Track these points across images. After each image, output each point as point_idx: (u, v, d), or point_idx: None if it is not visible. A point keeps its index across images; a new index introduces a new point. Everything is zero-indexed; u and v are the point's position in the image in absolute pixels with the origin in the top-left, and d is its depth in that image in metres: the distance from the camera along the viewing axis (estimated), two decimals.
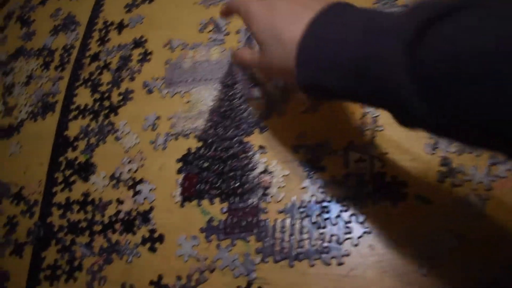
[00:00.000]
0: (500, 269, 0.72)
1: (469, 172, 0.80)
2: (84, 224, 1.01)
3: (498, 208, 0.76)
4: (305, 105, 0.95)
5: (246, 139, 0.96)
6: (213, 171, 0.94)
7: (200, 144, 0.99)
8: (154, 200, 0.97)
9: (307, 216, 0.84)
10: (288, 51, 0.60)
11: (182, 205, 0.94)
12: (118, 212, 0.98)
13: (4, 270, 1.05)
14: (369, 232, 0.80)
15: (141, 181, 0.99)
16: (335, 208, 0.84)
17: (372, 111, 0.90)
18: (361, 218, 0.81)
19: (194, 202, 0.93)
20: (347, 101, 0.73)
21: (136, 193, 0.98)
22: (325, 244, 0.81)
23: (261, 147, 0.94)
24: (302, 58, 0.59)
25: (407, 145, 0.85)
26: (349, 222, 0.82)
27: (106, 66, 1.20)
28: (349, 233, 0.81)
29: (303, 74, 0.60)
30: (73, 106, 1.18)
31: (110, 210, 1.00)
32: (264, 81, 0.99)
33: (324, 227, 0.82)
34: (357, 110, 0.91)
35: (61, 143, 1.13)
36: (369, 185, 0.84)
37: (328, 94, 0.63)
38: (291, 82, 0.64)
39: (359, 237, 0.80)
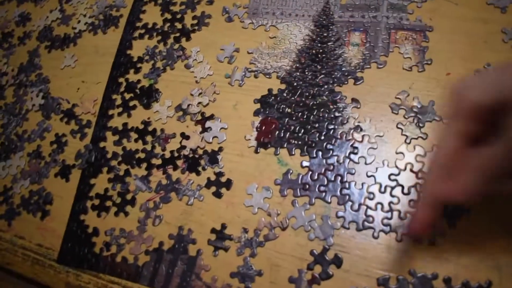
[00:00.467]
0: None
1: None
2: (141, 155, 0.95)
3: None
4: (410, 61, 0.86)
5: (337, 89, 0.88)
6: (296, 118, 0.87)
7: (283, 86, 0.91)
8: (224, 140, 0.90)
9: (400, 185, 0.77)
10: None
11: (256, 151, 0.87)
12: (183, 147, 0.92)
13: (47, 191, 0.99)
14: (468, 212, 0.72)
15: (211, 117, 0.93)
16: None
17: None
18: None
19: (271, 150, 0.87)
20: None
21: (205, 129, 0.92)
22: None
23: (354, 100, 0.86)
24: None
25: None
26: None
27: None
28: (445, 210, 0.73)
29: None
30: (139, 24, 1.10)
31: (173, 144, 0.94)
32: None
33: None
34: (470, 72, 0.82)
35: (123, 62, 1.06)
36: None
37: None
38: None
39: (456, 217, 0.73)
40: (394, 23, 0.91)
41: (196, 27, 1.04)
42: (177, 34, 1.05)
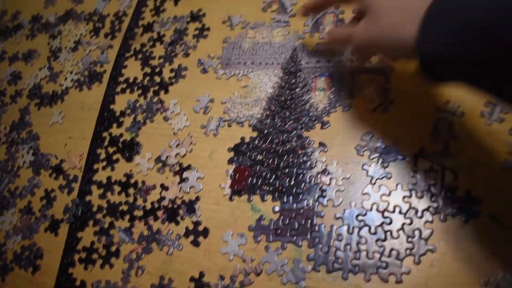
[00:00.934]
0: None
1: None
2: (124, 208, 1.00)
3: None
4: (374, 103, 0.91)
5: (305, 134, 0.93)
6: (268, 165, 0.92)
7: (255, 134, 0.96)
8: (201, 189, 0.95)
9: (366, 225, 0.81)
10: (412, 16, 0.61)
11: (231, 199, 0.92)
12: (162, 198, 0.97)
13: (37, 246, 1.05)
14: (433, 251, 0.77)
15: (188, 167, 0.98)
16: (397, 220, 0.80)
17: (449, 114, 0.85)
18: (425, 234, 0.78)
19: (244, 197, 0.91)
20: (466, 82, 0.68)
21: (183, 180, 0.97)
22: (384, 259, 0.78)
23: (321, 144, 0.91)
24: (429, 22, 0.59)
25: (485, 158, 0.81)
26: (412, 237, 0.78)
27: (160, 38, 1.18)
28: (411, 249, 0.78)
29: (426, 40, 0.60)
30: (121, 78, 1.17)
31: (153, 196, 0.99)
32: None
33: (384, 240, 0.79)
34: (432, 114, 0.87)
35: (106, 117, 1.12)
36: (438, 198, 0.80)
37: (448, 68, 0.62)
38: (401, 54, 0.70)
39: (422, 255, 0.77)
40: (357, 66, 0.96)
41: (173, 80, 1.10)
42: (156, 87, 1.10)
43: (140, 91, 1.12)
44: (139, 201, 0.99)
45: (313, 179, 0.88)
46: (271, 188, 0.90)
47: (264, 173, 0.91)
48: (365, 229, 0.81)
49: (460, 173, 0.81)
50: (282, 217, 0.87)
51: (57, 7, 1.43)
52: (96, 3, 1.35)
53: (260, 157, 0.93)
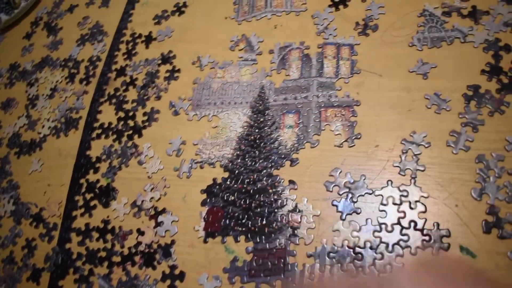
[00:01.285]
0: None
1: None
2: (103, 254, 1.00)
3: None
4: (341, 137, 0.92)
5: (275, 172, 0.94)
6: (239, 205, 0.93)
7: (226, 174, 0.97)
8: (176, 233, 0.95)
9: (338, 262, 0.82)
10: None
11: (205, 241, 0.92)
12: (139, 243, 0.98)
13: None
14: None
15: (163, 211, 0.98)
16: (368, 256, 0.81)
17: (414, 148, 0.86)
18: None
19: (218, 239, 0.91)
20: None
21: (158, 224, 0.97)
22: None
23: (291, 182, 0.91)
24: None
25: (451, 189, 0.82)
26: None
27: (132, 82, 1.20)
28: None
29: None
30: (96, 124, 1.18)
31: (130, 241, 0.99)
32: None
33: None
34: (397, 146, 0.88)
35: (83, 163, 1.13)
36: (407, 231, 0.81)
37: None
38: None
39: None
40: (324, 101, 0.97)
41: (146, 123, 1.11)
42: (130, 132, 1.12)
43: (114, 136, 1.13)
44: (117, 247, 0.99)
45: (284, 218, 0.89)
46: (244, 229, 0.90)
47: (236, 214, 0.92)
48: (337, 266, 0.82)
49: (428, 206, 0.82)
50: (255, 258, 0.87)
51: (34, 54, 1.45)
52: (71, 49, 1.37)
53: (232, 198, 0.94)
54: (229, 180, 0.96)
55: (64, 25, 1.46)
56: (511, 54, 0.91)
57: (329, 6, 1.10)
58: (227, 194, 0.94)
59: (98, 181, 1.09)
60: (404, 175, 0.85)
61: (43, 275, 1.05)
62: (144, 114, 1.13)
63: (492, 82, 0.90)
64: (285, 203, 0.90)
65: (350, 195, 0.86)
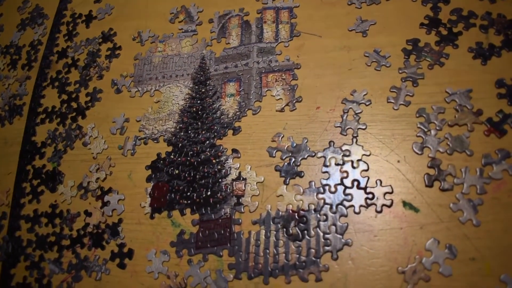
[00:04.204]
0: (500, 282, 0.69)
1: (460, 174, 0.76)
2: (52, 239, 0.99)
3: (492, 214, 0.72)
4: (281, 102, 0.91)
5: (218, 142, 0.92)
6: (184, 178, 0.91)
7: (170, 148, 0.95)
8: (123, 211, 0.94)
9: (283, 227, 0.81)
10: None
11: (152, 217, 0.91)
12: (87, 225, 0.96)
13: None
14: (349, 244, 0.76)
15: (109, 190, 0.97)
16: (313, 218, 0.80)
17: (354, 107, 0.85)
18: (341, 228, 0.78)
19: (164, 214, 0.90)
20: None
21: (105, 204, 0.96)
22: (302, 258, 0.78)
23: (234, 151, 0.90)
24: None
25: (393, 145, 0.81)
26: (328, 233, 0.78)
27: (74, 63, 1.17)
28: (328, 245, 0.77)
29: None
30: (40, 109, 1.15)
31: (78, 223, 0.97)
32: None
33: (301, 240, 0.79)
34: (338, 106, 0.87)
35: (29, 149, 1.11)
36: (351, 191, 0.80)
37: None
38: None
39: (339, 250, 0.77)
40: (264, 66, 0.95)
41: (89, 104, 1.09)
42: (74, 114, 1.09)
43: (58, 120, 1.11)
44: (66, 230, 0.98)
45: (228, 187, 0.87)
46: (189, 201, 0.89)
47: (181, 187, 0.91)
48: (282, 231, 0.81)
49: (371, 164, 0.81)
50: (201, 229, 0.86)
51: None
52: (12, 34, 1.34)
53: (177, 171, 0.92)
54: (172, 154, 0.94)
55: (4, 11, 1.42)
56: (450, 5, 0.91)
57: None
58: (172, 168, 0.93)
59: (44, 166, 1.07)
60: (345, 135, 0.85)
61: None
62: (87, 94, 1.11)
63: (431, 34, 0.89)
64: (228, 172, 0.88)
65: (292, 159, 0.85)
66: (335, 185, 0.81)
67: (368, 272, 0.74)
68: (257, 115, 0.92)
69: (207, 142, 0.92)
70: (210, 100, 0.96)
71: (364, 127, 0.84)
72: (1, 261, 1.02)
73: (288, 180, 0.84)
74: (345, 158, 0.83)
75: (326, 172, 0.83)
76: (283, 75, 0.93)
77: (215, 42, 1.03)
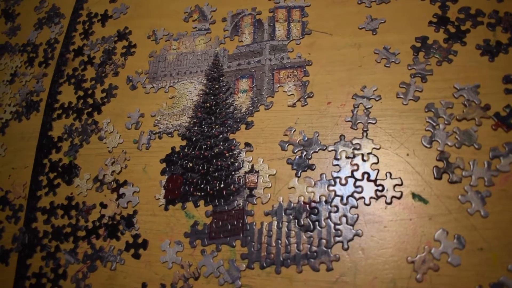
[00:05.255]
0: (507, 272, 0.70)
1: (468, 167, 0.77)
2: (68, 230, 1.00)
3: (500, 206, 0.73)
4: (294, 97, 0.92)
5: (231, 136, 0.94)
6: (198, 171, 0.93)
7: (184, 142, 0.97)
8: (138, 203, 0.96)
9: (295, 218, 0.82)
10: None
11: (166, 208, 0.92)
12: (102, 216, 0.98)
13: None
14: (360, 235, 0.78)
15: (124, 183, 0.98)
16: (324, 210, 0.81)
17: (365, 102, 0.87)
18: (352, 219, 0.79)
19: (178, 205, 0.92)
20: None
21: (120, 196, 0.97)
22: (314, 249, 0.79)
23: (247, 145, 0.92)
24: None
25: (402, 138, 0.82)
26: (339, 224, 0.79)
27: (90, 61, 1.19)
28: (339, 236, 0.79)
29: None
30: (57, 105, 1.17)
31: (94, 215, 0.99)
32: None
33: (312, 230, 0.80)
34: (348, 101, 0.88)
35: (45, 144, 1.13)
36: (361, 183, 0.81)
37: None
38: None
39: (350, 241, 0.78)
40: (276, 63, 0.97)
41: (105, 100, 1.11)
42: (90, 109, 1.11)
43: (75, 115, 1.13)
44: (81, 222, 0.99)
45: (241, 179, 0.89)
46: (202, 193, 0.90)
47: (195, 180, 0.92)
48: (294, 222, 0.82)
49: (380, 157, 0.83)
50: (215, 220, 0.87)
51: None
52: (29, 33, 1.36)
53: (191, 164, 0.94)
54: (186, 147, 0.96)
55: (21, 11, 1.44)
56: (458, 3, 0.92)
57: None
58: (186, 161, 0.95)
59: (60, 160, 1.09)
60: (356, 129, 0.86)
61: (11, 255, 1.05)
62: (103, 91, 1.12)
63: (439, 32, 0.90)
64: (241, 165, 0.90)
65: (304, 153, 0.87)
66: (346, 178, 0.82)
67: (378, 261, 0.75)
68: (269, 110, 0.94)
69: (221, 136, 0.94)
70: (224, 95, 0.98)
71: (374, 121, 0.85)
72: (18, 252, 1.04)
73: (299, 173, 0.85)
74: (356, 152, 0.84)
75: (337, 165, 0.84)
76: (294, 71, 0.95)
77: (228, 40, 1.05)
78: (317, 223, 0.81)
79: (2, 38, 1.41)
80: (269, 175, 0.87)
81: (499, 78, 0.82)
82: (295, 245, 0.80)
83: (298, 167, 0.86)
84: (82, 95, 1.15)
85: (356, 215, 0.79)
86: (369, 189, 0.81)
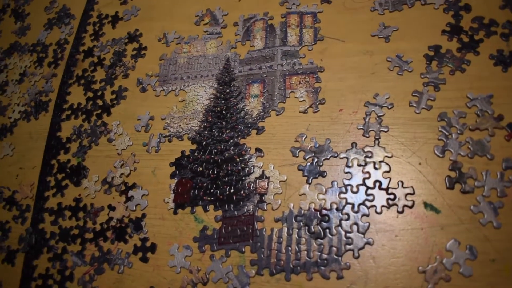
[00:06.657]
0: None
1: (480, 177, 0.76)
2: (75, 232, 0.99)
3: None
4: (305, 104, 0.92)
5: (242, 141, 0.93)
6: (208, 175, 0.92)
7: (194, 146, 0.96)
8: (146, 206, 0.95)
9: (305, 225, 0.81)
10: None
11: (175, 212, 0.91)
12: (110, 219, 0.97)
13: None
14: (371, 244, 0.77)
15: (133, 186, 0.98)
16: (335, 217, 0.81)
17: (377, 110, 0.86)
18: (363, 228, 0.78)
19: (188, 209, 0.91)
20: None
21: (128, 199, 0.96)
22: (324, 256, 0.78)
23: (257, 150, 0.91)
24: None
25: (414, 147, 0.81)
26: (350, 232, 0.78)
27: (100, 62, 1.18)
28: (350, 244, 0.78)
29: None
30: (66, 106, 1.17)
31: (102, 217, 0.98)
32: None
33: (323, 238, 0.79)
34: (360, 109, 0.87)
35: (54, 144, 1.12)
36: (372, 191, 0.81)
37: None
38: None
39: (360, 249, 0.77)
40: (288, 69, 0.96)
41: (115, 101, 1.10)
42: (99, 111, 1.10)
43: (84, 116, 1.12)
44: (89, 224, 0.98)
45: (251, 185, 0.88)
46: (212, 198, 0.89)
47: (205, 184, 0.91)
48: (304, 229, 0.81)
49: (392, 165, 0.82)
50: (224, 226, 0.86)
51: (2, 41, 1.43)
52: (38, 33, 1.35)
53: (200, 169, 0.93)
54: (197, 151, 0.95)
55: (31, 11, 1.44)
56: (472, 13, 0.91)
57: None
58: (195, 165, 0.94)
59: (69, 161, 1.08)
60: (368, 137, 0.85)
61: (17, 256, 1.04)
62: (112, 92, 1.12)
63: (452, 41, 0.90)
64: (252, 171, 0.89)
65: (315, 159, 0.86)
66: (357, 185, 0.82)
67: (389, 271, 0.74)
68: (280, 115, 0.93)
69: (231, 141, 0.93)
70: (235, 100, 0.97)
71: (386, 129, 0.84)
72: (24, 252, 1.03)
73: (310, 180, 0.84)
74: (367, 159, 0.83)
75: (349, 172, 0.83)
76: (306, 77, 0.94)
77: (240, 44, 1.04)
78: (327, 230, 0.80)
79: (11, 38, 1.40)
80: (279, 181, 0.86)
81: None
82: (305, 252, 0.79)
83: (309, 173, 0.85)
84: (91, 96, 1.14)
85: (367, 224, 0.78)
86: (380, 197, 0.80)
